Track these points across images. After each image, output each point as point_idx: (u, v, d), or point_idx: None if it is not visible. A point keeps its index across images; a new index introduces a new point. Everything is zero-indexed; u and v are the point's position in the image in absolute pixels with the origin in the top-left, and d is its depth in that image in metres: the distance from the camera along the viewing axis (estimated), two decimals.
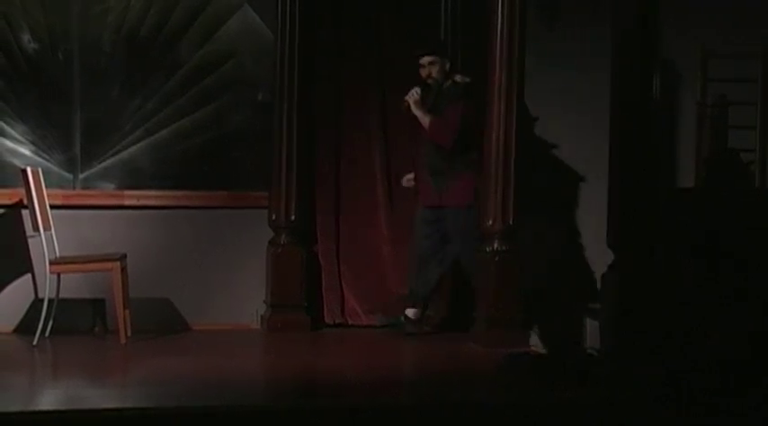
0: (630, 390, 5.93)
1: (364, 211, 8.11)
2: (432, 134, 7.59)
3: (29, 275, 7.76)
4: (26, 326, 7.59)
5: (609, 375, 6.27)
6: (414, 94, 7.61)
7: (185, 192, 7.99)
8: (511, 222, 7.36)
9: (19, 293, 7.72)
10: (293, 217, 7.89)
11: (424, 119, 7.60)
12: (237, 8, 8.08)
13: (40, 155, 7.90)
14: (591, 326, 7.63)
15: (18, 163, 7.75)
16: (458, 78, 7.69)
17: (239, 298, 8.00)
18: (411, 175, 7.83)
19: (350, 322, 8.03)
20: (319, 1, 7.98)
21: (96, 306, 7.81)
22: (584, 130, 8.09)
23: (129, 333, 7.40)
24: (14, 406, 5.87)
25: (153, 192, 7.98)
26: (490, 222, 7.37)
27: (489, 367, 6.49)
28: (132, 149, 8.03)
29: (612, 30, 7.05)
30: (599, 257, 7.47)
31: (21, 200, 7.60)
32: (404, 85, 7.74)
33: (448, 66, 7.70)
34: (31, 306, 7.71)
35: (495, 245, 7.37)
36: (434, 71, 7.66)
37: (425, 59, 7.68)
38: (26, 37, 7.84)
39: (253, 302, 7.98)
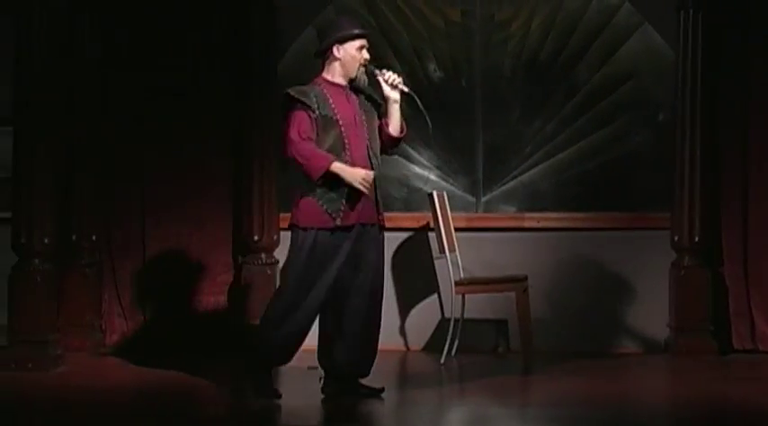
0: None
1: None
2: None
3: (435, 295, 7.83)
4: (434, 345, 7.66)
5: None
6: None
7: (585, 214, 7.81)
8: None
9: (427, 313, 7.80)
10: (697, 239, 7.53)
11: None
12: (636, 28, 7.83)
13: (445, 180, 7.96)
14: None
15: (425, 187, 7.83)
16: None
17: (641, 321, 7.70)
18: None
19: (761, 348, 7.49)
20: (723, 16, 7.52)
21: (499, 327, 7.75)
22: None
23: (531, 354, 7.28)
24: (423, 422, 5.91)
25: (553, 214, 7.87)
26: None
27: None
28: (532, 172, 7.95)
29: None
30: None
31: (427, 223, 7.69)
32: None
33: None
34: (438, 326, 7.76)
35: None
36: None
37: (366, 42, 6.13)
38: (432, 66, 7.96)
39: (656, 325, 7.65)
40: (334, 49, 6.06)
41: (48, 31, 6.96)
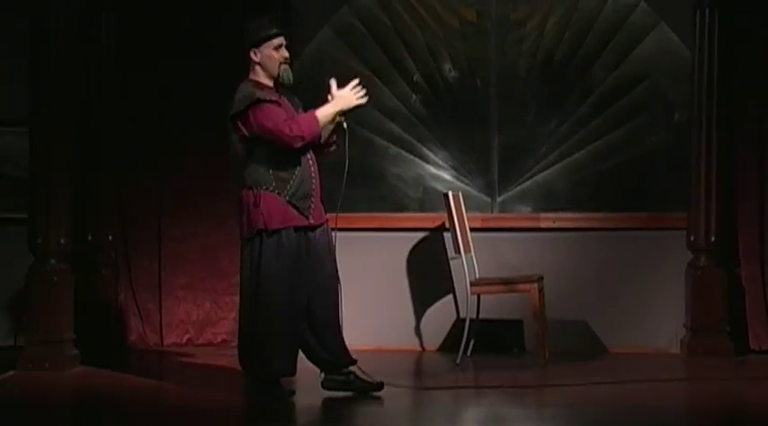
0: None
1: None
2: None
3: (451, 295, 7.80)
4: (449, 345, 7.65)
5: None
6: None
7: (601, 214, 7.78)
8: None
9: (442, 313, 7.77)
10: (713, 239, 7.47)
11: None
12: (652, 28, 7.79)
13: (460, 180, 7.93)
14: None
15: (440, 187, 7.81)
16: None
17: (657, 321, 7.65)
18: None
19: None
20: (740, 15, 7.46)
21: (515, 327, 7.71)
22: None
23: (546, 354, 7.24)
24: (441, 422, 5.88)
25: (568, 214, 7.83)
26: None
27: None
28: (548, 172, 7.91)
29: None
30: None
31: (443, 224, 7.66)
32: None
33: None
34: (453, 326, 7.75)
35: None
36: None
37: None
38: (447, 66, 7.92)
39: (671, 325, 7.61)
40: (252, 54, 6.05)
41: (63, 33, 6.95)
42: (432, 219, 7.76)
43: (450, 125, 7.88)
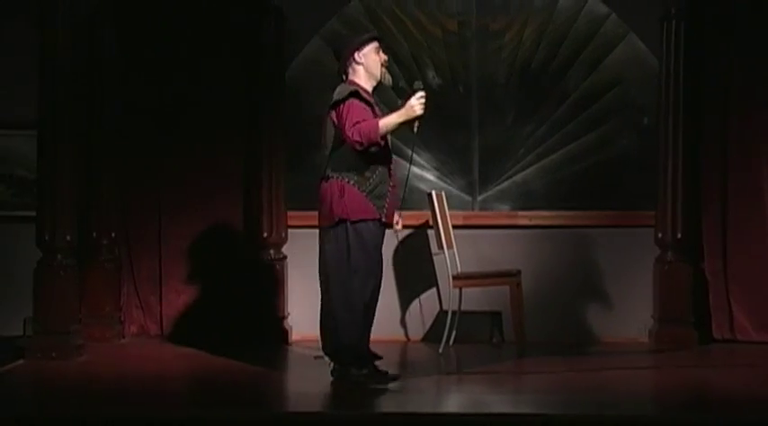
0: None
1: (753, 227, 7.65)
2: None
3: (434, 289, 7.94)
4: (432, 335, 7.78)
5: None
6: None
7: (575, 212, 7.93)
8: None
9: (426, 305, 7.91)
10: (680, 236, 7.65)
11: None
12: (622, 38, 7.97)
13: (443, 180, 8.07)
14: None
15: (424, 187, 7.93)
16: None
17: (627, 313, 7.84)
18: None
19: (739, 337, 7.65)
20: (704, 26, 7.66)
21: (494, 319, 7.85)
22: None
23: (524, 344, 7.41)
24: (425, 408, 6.03)
25: (545, 213, 7.97)
26: None
27: None
28: (525, 173, 8.06)
29: None
30: None
31: (426, 221, 7.79)
32: None
33: None
34: (436, 318, 7.88)
35: None
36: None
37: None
38: (431, 73, 8.07)
39: (640, 317, 7.78)
40: (356, 56, 6.21)
41: (70, 39, 7.03)
42: (416, 217, 7.84)
43: (433, 128, 7.96)
